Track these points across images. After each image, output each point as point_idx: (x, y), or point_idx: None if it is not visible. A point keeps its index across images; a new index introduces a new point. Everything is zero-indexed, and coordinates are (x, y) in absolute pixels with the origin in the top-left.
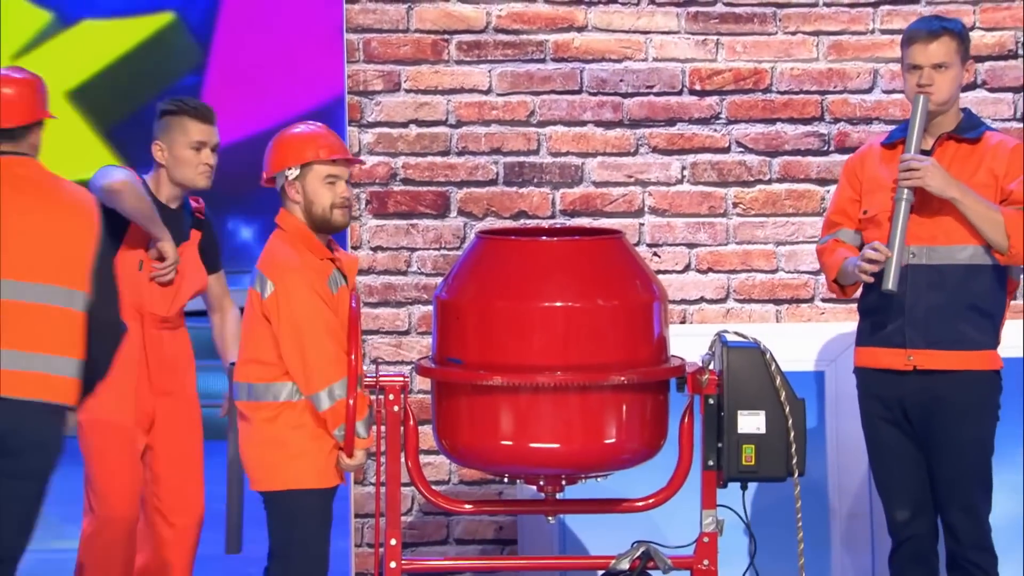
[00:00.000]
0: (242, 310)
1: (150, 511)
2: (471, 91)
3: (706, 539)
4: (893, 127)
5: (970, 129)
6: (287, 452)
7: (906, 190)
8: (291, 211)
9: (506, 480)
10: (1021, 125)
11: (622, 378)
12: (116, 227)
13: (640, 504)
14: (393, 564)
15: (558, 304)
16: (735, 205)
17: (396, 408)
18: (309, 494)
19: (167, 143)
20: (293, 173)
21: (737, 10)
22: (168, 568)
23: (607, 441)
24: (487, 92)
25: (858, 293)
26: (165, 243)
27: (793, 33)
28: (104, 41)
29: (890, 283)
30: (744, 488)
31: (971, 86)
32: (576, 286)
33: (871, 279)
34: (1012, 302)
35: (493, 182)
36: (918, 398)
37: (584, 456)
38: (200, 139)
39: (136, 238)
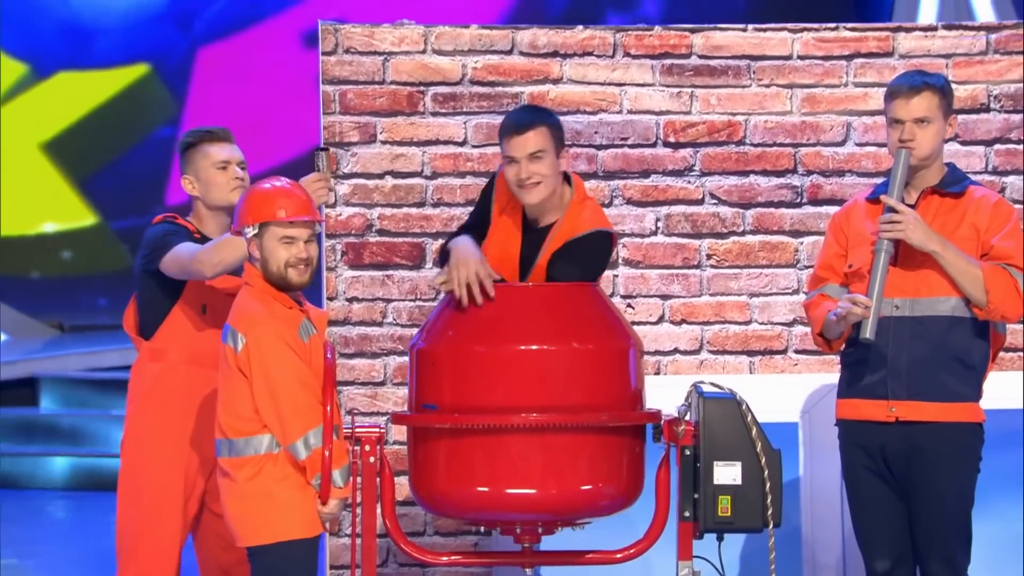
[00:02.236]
0: None
1: None
2: (446, 143)
3: None
4: (865, 179)
5: (954, 183)
6: (273, 505)
7: (886, 241)
8: (255, 266)
9: (482, 531)
10: (992, 178)
11: (598, 420)
12: (175, 283)
13: (618, 556)
14: None
15: (533, 347)
16: (709, 257)
17: (372, 459)
18: (297, 544)
19: (193, 173)
20: (252, 231)
21: (711, 63)
22: None
23: (583, 487)
24: (462, 144)
25: (843, 347)
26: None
27: (767, 86)
28: (79, 93)
29: (868, 332)
30: (720, 539)
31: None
32: (551, 330)
33: (846, 326)
34: (1012, 354)
35: None
36: (899, 447)
37: (561, 502)
38: (223, 158)
39: (198, 284)
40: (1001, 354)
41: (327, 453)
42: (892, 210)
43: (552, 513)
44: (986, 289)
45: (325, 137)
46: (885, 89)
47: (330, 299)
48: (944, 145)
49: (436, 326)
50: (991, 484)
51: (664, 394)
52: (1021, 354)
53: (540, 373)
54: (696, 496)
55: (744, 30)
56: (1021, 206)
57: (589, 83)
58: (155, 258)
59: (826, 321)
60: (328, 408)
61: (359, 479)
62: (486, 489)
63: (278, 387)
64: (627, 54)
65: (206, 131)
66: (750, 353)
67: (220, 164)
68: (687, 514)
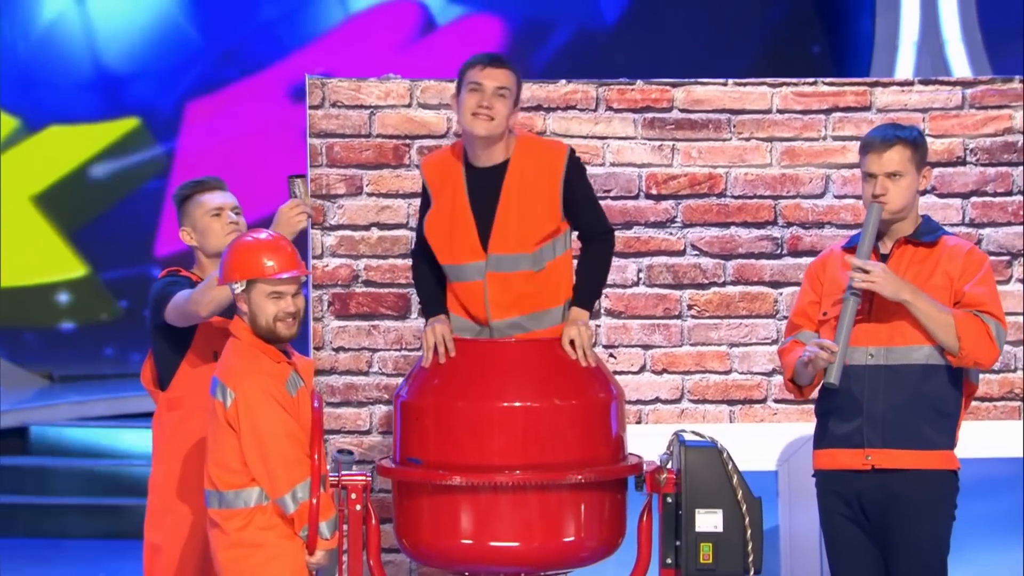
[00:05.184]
0: None
1: None
2: None
3: None
4: (844, 231)
5: (927, 233)
6: (264, 554)
7: (854, 289)
8: (243, 319)
9: None
10: (969, 230)
11: (580, 477)
12: (183, 333)
13: None
14: None
15: (516, 404)
16: (690, 307)
17: (358, 507)
18: None
19: (190, 224)
20: (239, 287)
21: (692, 116)
22: None
23: (566, 539)
24: None
25: (815, 394)
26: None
27: (747, 139)
28: (70, 146)
29: (832, 377)
30: None
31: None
32: (534, 386)
33: (814, 371)
34: (1011, 402)
35: None
36: (875, 495)
37: (544, 554)
38: (216, 206)
39: (206, 332)
40: (1003, 403)
41: (315, 501)
42: (860, 268)
43: (535, 565)
44: (958, 336)
45: (313, 189)
46: None
47: (317, 349)
48: (919, 197)
49: (421, 379)
50: (965, 531)
51: (646, 443)
52: (1020, 403)
53: (524, 430)
54: (678, 543)
55: (724, 84)
56: (996, 257)
57: (572, 136)
58: (159, 311)
59: (796, 366)
60: (315, 457)
61: (346, 526)
62: (470, 542)
63: (266, 442)
64: (609, 108)
65: (198, 182)
66: (730, 402)
67: (214, 212)
68: (669, 561)
